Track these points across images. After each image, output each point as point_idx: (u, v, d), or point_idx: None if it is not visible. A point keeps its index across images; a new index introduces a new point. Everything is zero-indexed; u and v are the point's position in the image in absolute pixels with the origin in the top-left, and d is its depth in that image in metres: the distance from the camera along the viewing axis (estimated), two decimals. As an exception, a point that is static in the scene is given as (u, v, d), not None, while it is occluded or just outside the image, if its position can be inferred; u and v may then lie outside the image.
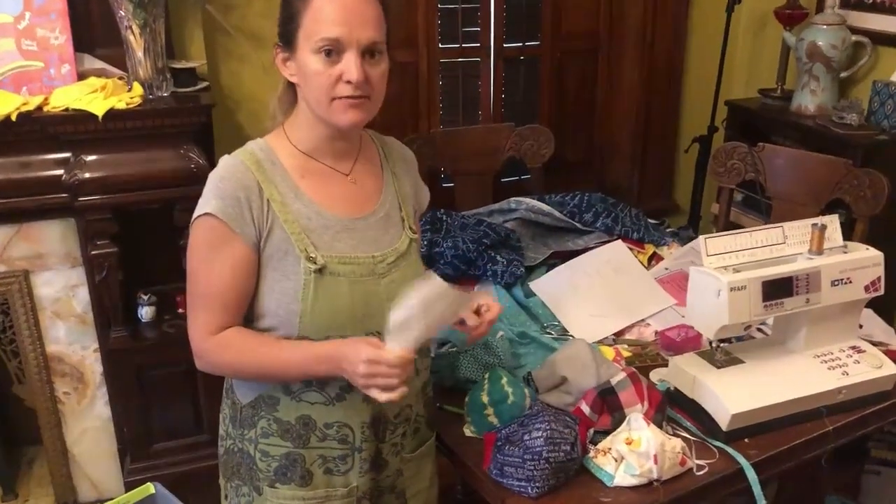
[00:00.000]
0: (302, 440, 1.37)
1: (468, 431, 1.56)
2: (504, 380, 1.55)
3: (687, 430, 1.56)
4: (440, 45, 2.97)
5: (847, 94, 2.86)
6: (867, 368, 1.63)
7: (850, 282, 1.61)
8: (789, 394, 1.56)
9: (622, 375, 1.52)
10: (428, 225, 2.09)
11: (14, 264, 2.22)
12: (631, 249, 2.16)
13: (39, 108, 2.06)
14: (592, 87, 3.29)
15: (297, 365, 1.31)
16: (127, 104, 2.07)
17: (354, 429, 1.39)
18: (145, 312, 2.37)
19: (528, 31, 3.12)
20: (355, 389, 1.35)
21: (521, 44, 3.12)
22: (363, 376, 1.22)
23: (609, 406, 1.49)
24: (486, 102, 3.13)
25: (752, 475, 1.46)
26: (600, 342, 1.85)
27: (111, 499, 2.20)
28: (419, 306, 1.22)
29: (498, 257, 2.00)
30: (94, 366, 2.40)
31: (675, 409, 1.60)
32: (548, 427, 1.37)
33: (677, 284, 2.05)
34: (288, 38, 1.31)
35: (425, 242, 2.00)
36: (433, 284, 1.25)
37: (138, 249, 2.34)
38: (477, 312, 1.48)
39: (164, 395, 2.38)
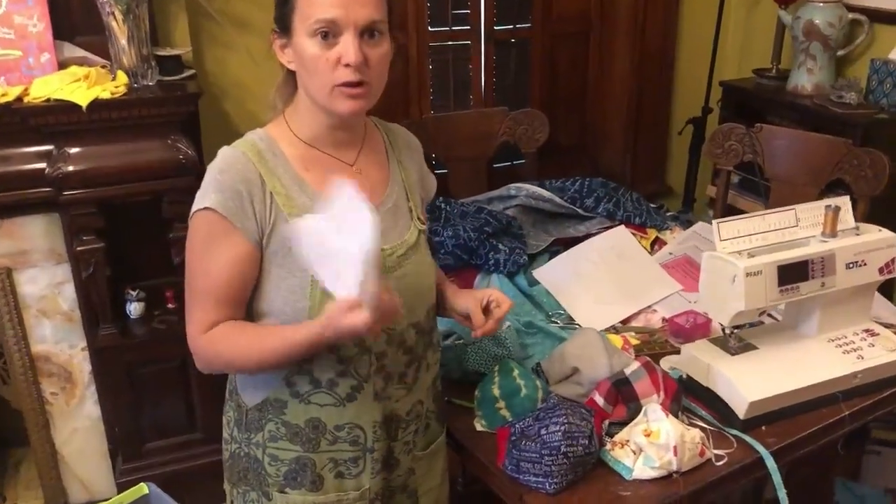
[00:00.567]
0: (312, 444, 1.32)
1: (479, 426, 1.52)
2: (516, 372, 1.51)
3: (703, 419, 1.53)
4: (429, 29, 2.90)
5: (844, 73, 2.83)
6: (882, 352, 1.61)
7: (865, 264, 1.58)
8: (806, 380, 1.53)
9: (636, 365, 1.48)
10: (427, 214, 2.03)
11: (-4, 262, 2.15)
12: (634, 234, 2.12)
13: (19, 98, 1.98)
14: (584, 70, 3.24)
15: (286, 335, 1.23)
16: (112, 94, 1.99)
17: (366, 429, 1.34)
18: (134, 308, 2.30)
19: (518, 14, 3.06)
20: (365, 388, 1.31)
21: (511, 26, 3.07)
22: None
23: (624, 397, 1.45)
24: (477, 86, 3.07)
25: (771, 464, 1.43)
26: (607, 330, 1.81)
27: (103, 500, 2.16)
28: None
29: (500, 245, 1.95)
30: (82, 365, 2.33)
31: (689, 397, 1.56)
32: (566, 421, 1.33)
33: (682, 269, 2.02)
34: (284, 22, 1.25)
35: (426, 231, 1.95)
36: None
37: (125, 244, 2.28)
38: (486, 309, 1.43)
39: (155, 393, 2.33)
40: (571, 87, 3.24)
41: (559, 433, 1.32)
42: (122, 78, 2.06)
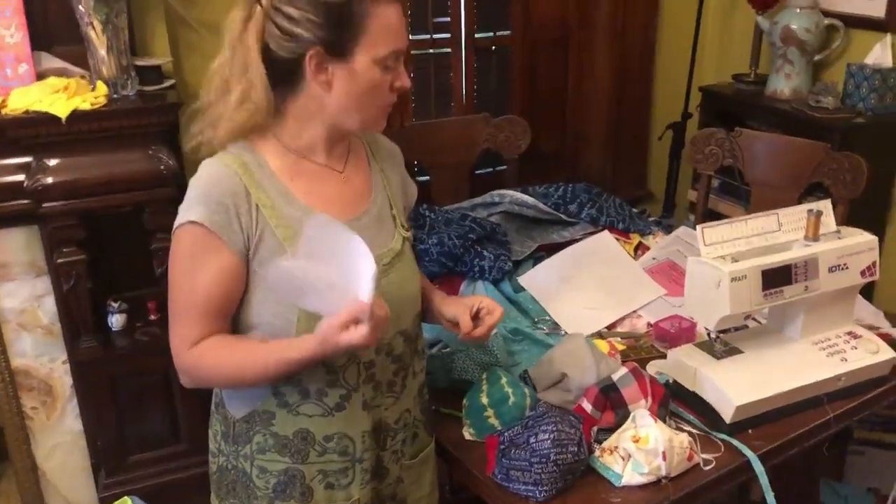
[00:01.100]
0: (301, 455, 1.31)
1: (468, 434, 1.52)
2: (504, 380, 1.51)
3: (690, 423, 1.54)
4: (410, 37, 2.90)
5: (821, 78, 2.86)
6: (865, 354, 1.63)
7: (847, 267, 1.60)
8: (791, 382, 1.54)
9: (624, 371, 1.49)
10: (411, 221, 2.03)
11: (-26, 276, 2.12)
12: (617, 240, 2.13)
13: (-3, 110, 1.95)
14: (564, 76, 3.25)
15: (280, 353, 1.22)
16: (91, 104, 1.97)
17: (355, 439, 1.33)
18: (116, 320, 2.27)
19: (498, 21, 3.07)
20: (354, 398, 1.30)
21: (492, 34, 3.07)
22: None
23: (612, 403, 1.46)
24: (459, 94, 3.07)
25: (759, 467, 1.45)
26: (593, 336, 1.82)
27: (86, 515, 2.13)
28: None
29: (485, 252, 1.95)
30: (63, 378, 2.30)
31: (676, 402, 1.57)
32: (555, 428, 1.33)
33: (666, 274, 2.03)
34: (340, 46, 1.21)
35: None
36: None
37: (106, 255, 2.25)
38: (476, 316, 1.43)
39: (138, 406, 2.30)
40: (552, 94, 3.25)
41: (548, 441, 1.32)
42: (102, 88, 2.03)
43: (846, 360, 1.60)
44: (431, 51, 2.99)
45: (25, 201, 2.02)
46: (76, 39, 2.06)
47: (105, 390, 2.23)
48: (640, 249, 2.17)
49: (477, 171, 2.92)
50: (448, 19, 2.96)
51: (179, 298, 1.27)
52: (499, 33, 3.08)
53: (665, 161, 3.26)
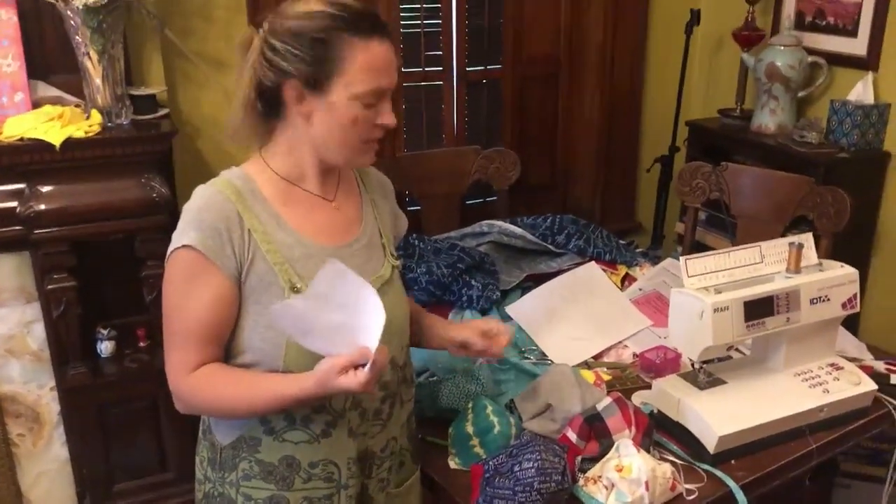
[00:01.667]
0: (286, 482, 1.32)
1: (453, 463, 1.52)
2: (489, 409, 1.52)
3: (673, 453, 1.55)
4: (403, 69, 2.95)
5: (805, 113, 2.92)
6: (846, 385, 1.64)
7: (828, 299, 1.62)
8: (774, 413, 1.55)
9: (608, 401, 1.50)
10: (401, 250, 2.05)
11: (-37, 301, 2.12)
12: (604, 271, 2.15)
13: (-8, 137, 1.97)
14: (554, 109, 3.30)
15: (277, 390, 1.24)
16: (85, 133, 1.99)
17: (340, 465, 1.34)
18: (105, 347, 2.27)
19: (490, 55, 3.12)
20: (340, 425, 1.31)
21: (483, 67, 3.12)
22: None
23: (597, 433, 1.47)
24: (450, 126, 3.11)
25: (741, 498, 1.45)
26: (580, 365, 1.83)
27: (71, 545, 2.10)
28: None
29: (473, 282, 1.97)
30: (50, 405, 2.29)
31: (659, 432, 1.58)
32: (539, 457, 1.34)
33: (652, 305, 2.05)
34: (317, 79, 1.24)
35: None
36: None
37: (97, 282, 2.26)
38: (485, 335, 1.48)
39: (125, 433, 2.29)
40: (542, 127, 3.29)
41: (532, 469, 1.33)
42: (96, 117, 2.06)
43: (828, 391, 1.62)
44: (424, 83, 3.03)
45: (17, 227, 2.03)
46: (72, 69, 2.10)
47: (92, 418, 2.23)
48: (626, 280, 2.19)
49: (467, 202, 2.95)
50: (440, 53, 3.01)
51: (175, 323, 1.28)
52: (490, 67, 3.13)
53: (653, 193, 3.30)
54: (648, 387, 1.73)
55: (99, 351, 2.27)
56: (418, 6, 2.93)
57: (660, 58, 3.30)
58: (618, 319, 1.99)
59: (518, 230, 2.20)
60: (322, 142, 1.29)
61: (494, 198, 2.72)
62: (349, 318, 1.17)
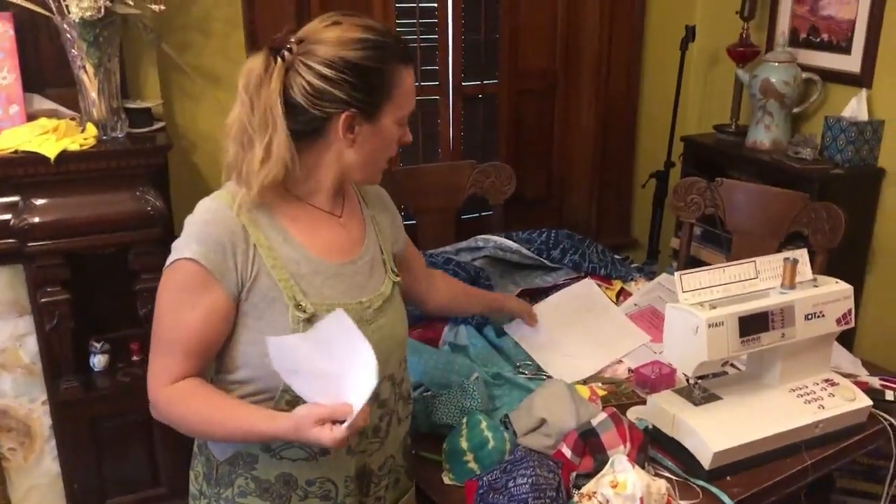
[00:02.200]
0: (282, 499, 1.30)
1: (447, 479, 1.51)
2: (483, 424, 1.51)
3: (668, 469, 1.54)
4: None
5: (799, 129, 2.93)
6: (841, 401, 1.64)
7: (823, 315, 1.62)
8: (769, 430, 1.55)
9: (603, 416, 1.49)
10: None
11: (-44, 314, 2.11)
12: (599, 286, 2.15)
13: (-14, 150, 1.97)
14: (550, 124, 3.31)
15: (251, 422, 1.22)
16: (80, 146, 1.99)
17: (338, 483, 1.33)
18: (98, 361, 2.26)
19: (485, 70, 3.13)
20: None
21: (479, 82, 3.13)
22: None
23: (591, 448, 1.46)
24: (446, 140, 3.12)
25: (736, 514, 1.44)
26: (575, 381, 1.82)
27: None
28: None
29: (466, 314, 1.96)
30: (42, 419, 2.28)
31: (654, 447, 1.57)
32: (533, 473, 1.33)
33: (647, 320, 2.05)
34: (372, 108, 1.25)
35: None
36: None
37: (90, 295, 2.25)
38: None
39: (117, 448, 2.28)
40: (538, 141, 3.31)
41: (526, 486, 1.32)
42: (92, 130, 2.06)
43: (823, 407, 1.61)
44: (420, 98, 3.03)
45: (11, 240, 2.03)
46: (68, 82, 2.10)
47: (85, 432, 2.22)
48: (622, 295, 2.19)
49: (463, 216, 2.95)
50: (436, 67, 3.02)
51: (164, 333, 1.26)
52: (486, 82, 3.14)
53: (648, 209, 3.31)
54: (643, 402, 1.72)
55: (92, 364, 2.26)
56: (414, 21, 2.94)
57: (655, 73, 3.32)
58: (616, 336, 1.99)
59: (513, 245, 2.19)
60: (357, 164, 1.30)
61: (490, 212, 2.72)
62: (340, 370, 1.16)
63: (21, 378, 2.23)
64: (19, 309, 2.17)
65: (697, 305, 1.53)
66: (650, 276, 2.30)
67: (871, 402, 1.67)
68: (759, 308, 1.55)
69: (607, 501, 1.37)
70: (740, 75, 2.97)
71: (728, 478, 1.51)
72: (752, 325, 1.54)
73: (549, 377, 1.82)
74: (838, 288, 1.65)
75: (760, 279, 1.63)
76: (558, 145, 3.34)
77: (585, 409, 1.56)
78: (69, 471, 2.31)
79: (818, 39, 2.86)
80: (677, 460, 1.55)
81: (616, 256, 2.34)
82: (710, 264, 1.67)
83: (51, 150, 1.94)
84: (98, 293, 2.28)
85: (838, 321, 1.65)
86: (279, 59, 1.22)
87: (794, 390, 1.64)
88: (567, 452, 1.46)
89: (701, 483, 1.49)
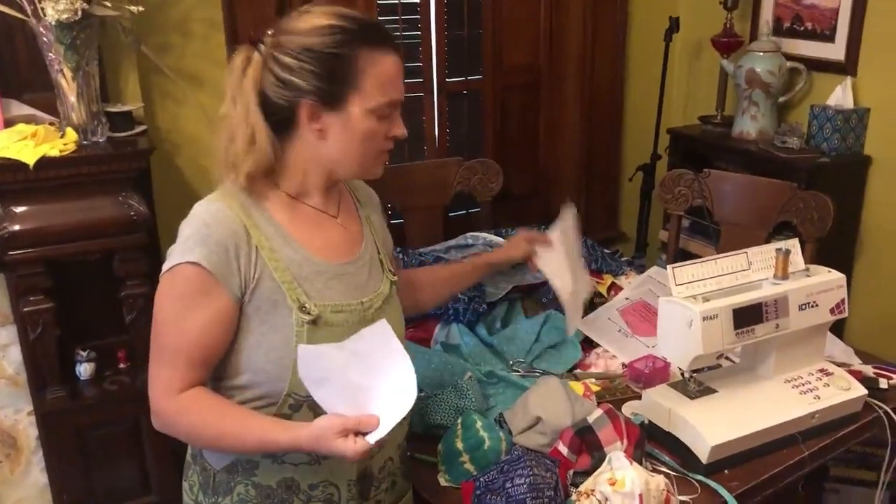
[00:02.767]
0: None
1: (443, 480, 1.49)
2: (478, 424, 1.49)
3: (666, 464, 1.53)
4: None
5: (785, 119, 2.93)
6: (837, 391, 1.63)
7: (817, 305, 1.62)
8: (766, 422, 1.54)
9: (599, 412, 1.48)
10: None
11: (-63, 326, 2.07)
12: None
13: (-36, 157, 1.93)
14: (535, 119, 3.29)
15: (267, 432, 1.20)
16: (60, 151, 1.96)
17: (340, 487, 1.31)
18: (84, 370, 2.23)
19: (470, 66, 3.11)
20: None
21: (463, 78, 3.11)
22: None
23: (588, 445, 1.44)
24: (431, 137, 3.10)
25: (735, 508, 1.43)
26: (568, 377, 1.81)
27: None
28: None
29: (459, 294, 1.95)
30: (28, 430, 2.25)
31: (651, 443, 1.56)
32: (530, 473, 1.31)
33: (639, 314, 2.04)
34: (334, 95, 1.22)
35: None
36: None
37: (74, 303, 2.21)
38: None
39: (106, 457, 2.24)
40: (523, 137, 3.29)
41: (524, 486, 1.30)
42: (71, 135, 2.02)
43: (819, 397, 1.61)
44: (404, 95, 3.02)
45: (-9, 250, 1.99)
46: (46, 86, 2.06)
47: (72, 442, 2.18)
48: (612, 290, 2.17)
49: (451, 214, 2.93)
50: (420, 64, 2.99)
51: (166, 341, 1.22)
52: (470, 78, 3.12)
53: (636, 202, 3.30)
54: (638, 397, 1.71)
55: (78, 373, 2.23)
56: (397, 18, 2.91)
57: (640, 66, 3.31)
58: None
59: (503, 241, 2.18)
60: (337, 157, 1.27)
61: (478, 209, 2.70)
62: (371, 384, 1.14)
63: (5, 389, 2.20)
64: (2, 319, 2.14)
65: (691, 298, 1.52)
66: (640, 269, 2.29)
67: (866, 392, 1.66)
68: (753, 300, 1.54)
69: (606, 499, 1.36)
70: (725, 66, 2.97)
71: (726, 471, 1.50)
72: (747, 316, 1.53)
73: (543, 374, 1.80)
74: (831, 277, 1.65)
75: (753, 270, 1.62)
76: (544, 140, 3.33)
77: (581, 405, 1.54)
78: (57, 482, 2.27)
79: (802, 28, 2.86)
80: (675, 455, 1.54)
81: (605, 251, 2.32)
82: (699, 256, 1.66)
83: (30, 156, 1.90)
84: (82, 300, 2.25)
85: (832, 310, 1.64)
86: (255, 54, 1.23)
87: (789, 381, 1.64)
88: (564, 450, 1.45)
89: (699, 477, 1.48)
